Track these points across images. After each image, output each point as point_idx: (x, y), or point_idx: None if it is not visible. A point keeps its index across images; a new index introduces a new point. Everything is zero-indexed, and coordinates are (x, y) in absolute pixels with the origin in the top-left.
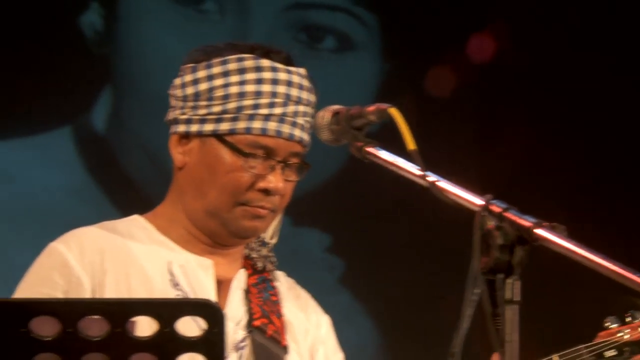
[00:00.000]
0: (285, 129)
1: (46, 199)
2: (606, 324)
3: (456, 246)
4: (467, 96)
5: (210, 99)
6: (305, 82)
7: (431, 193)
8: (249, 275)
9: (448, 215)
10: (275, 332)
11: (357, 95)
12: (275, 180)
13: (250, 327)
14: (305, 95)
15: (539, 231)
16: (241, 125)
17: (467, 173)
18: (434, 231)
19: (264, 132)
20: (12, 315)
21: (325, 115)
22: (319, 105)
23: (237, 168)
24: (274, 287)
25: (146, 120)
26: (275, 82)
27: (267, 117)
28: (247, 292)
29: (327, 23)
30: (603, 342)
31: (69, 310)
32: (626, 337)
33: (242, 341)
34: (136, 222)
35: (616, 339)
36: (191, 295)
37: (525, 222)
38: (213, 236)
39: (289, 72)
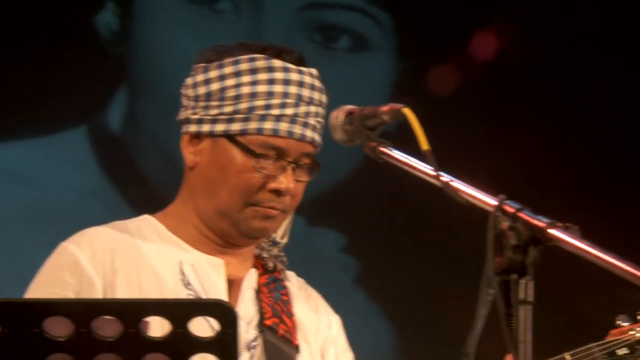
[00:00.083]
0: (297, 129)
1: (61, 199)
2: (618, 322)
3: (471, 246)
4: (481, 95)
5: (221, 99)
6: (317, 83)
7: (445, 193)
8: (260, 275)
9: (463, 215)
10: (286, 332)
11: (372, 95)
12: (287, 181)
13: (261, 326)
14: (316, 95)
15: (553, 231)
16: (253, 125)
17: (479, 172)
18: (449, 231)
19: (275, 133)
20: (25, 315)
21: (339, 115)
22: (333, 105)
23: (248, 168)
24: (285, 287)
25: (161, 119)
26: (287, 82)
27: (278, 118)
28: (258, 291)
29: (342, 23)
30: (615, 340)
31: (82, 311)
32: (638, 335)
33: (253, 341)
34: (147, 222)
35: (628, 337)
36: (202, 295)
37: (539, 222)
38: (224, 236)
39: (300, 72)
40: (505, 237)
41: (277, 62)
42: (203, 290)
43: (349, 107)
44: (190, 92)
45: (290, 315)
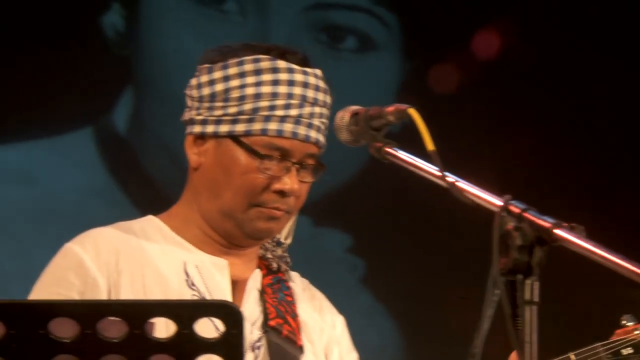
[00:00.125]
0: (301, 130)
1: (68, 200)
2: (623, 322)
3: (477, 246)
4: (486, 95)
5: (226, 99)
6: (321, 84)
7: (451, 193)
8: (264, 276)
9: (468, 216)
10: (290, 332)
11: (378, 96)
12: (291, 182)
13: (265, 327)
14: (321, 96)
15: (559, 232)
16: (257, 126)
17: (482, 172)
18: (455, 232)
19: (279, 134)
20: (31, 316)
21: (345, 116)
22: (339, 106)
23: (252, 169)
24: (289, 288)
25: (167, 120)
26: (291, 83)
27: (283, 119)
28: (262, 292)
29: (348, 23)
30: (620, 339)
31: (88, 312)
32: None
33: (257, 341)
34: (151, 223)
35: (633, 337)
36: (206, 296)
37: (545, 222)
38: (228, 237)
39: (305, 73)
40: (510, 237)
41: (281, 63)
42: (207, 291)
43: (355, 107)
44: (194, 92)
45: (294, 315)
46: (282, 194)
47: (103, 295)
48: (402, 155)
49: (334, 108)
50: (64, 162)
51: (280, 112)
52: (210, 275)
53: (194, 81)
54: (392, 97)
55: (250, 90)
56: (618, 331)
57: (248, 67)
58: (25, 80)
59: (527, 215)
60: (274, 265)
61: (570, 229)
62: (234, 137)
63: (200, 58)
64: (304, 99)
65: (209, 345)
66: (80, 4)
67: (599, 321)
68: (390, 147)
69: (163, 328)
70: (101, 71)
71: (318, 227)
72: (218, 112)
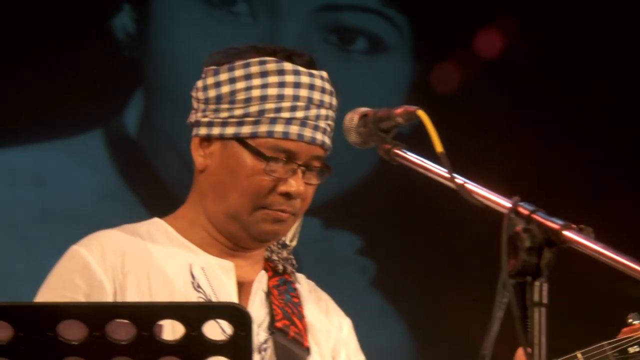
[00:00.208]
0: (307, 132)
1: (78, 202)
2: (629, 320)
3: (487, 248)
4: (495, 96)
5: (232, 102)
6: (327, 86)
7: (460, 195)
8: (270, 277)
9: (478, 217)
10: (297, 334)
11: (389, 97)
12: (297, 184)
13: (272, 328)
14: (327, 98)
15: (568, 233)
16: (263, 128)
17: (491, 173)
18: (464, 233)
19: (285, 136)
20: (40, 319)
21: (354, 117)
22: (350, 107)
23: (258, 171)
24: (295, 289)
25: (177, 122)
26: (297, 85)
27: (289, 121)
28: (269, 294)
29: (358, 25)
30: (626, 338)
31: (96, 314)
32: None
33: (264, 343)
34: (157, 225)
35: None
36: (212, 298)
37: (553, 224)
38: (234, 239)
39: (311, 75)
40: (519, 239)
41: (287, 65)
42: (213, 293)
43: (363, 109)
44: (200, 94)
45: (301, 317)
46: (288, 196)
47: (109, 298)
48: (411, 157)
49: (344, 109)
50: (75, 163)
51: (286, 114)
52: (216, 277)
53: (200, 83)
54: (403, 98)
55: (256, 93)
56: (625, 329)
57: (254, 69)
58: (35, 83)
59: (535, 216)
60: (280, 267)
61: (579, 231)
62: (240, 139)
63: (206, 60)
64: (310, 101)
65: (217, 348)
66: (90, 6)
67: (605, 320)
68: (399, 149)
69: (169, 330)
70: (111, 73)
71: (328, 229)
72: (224, 114)
